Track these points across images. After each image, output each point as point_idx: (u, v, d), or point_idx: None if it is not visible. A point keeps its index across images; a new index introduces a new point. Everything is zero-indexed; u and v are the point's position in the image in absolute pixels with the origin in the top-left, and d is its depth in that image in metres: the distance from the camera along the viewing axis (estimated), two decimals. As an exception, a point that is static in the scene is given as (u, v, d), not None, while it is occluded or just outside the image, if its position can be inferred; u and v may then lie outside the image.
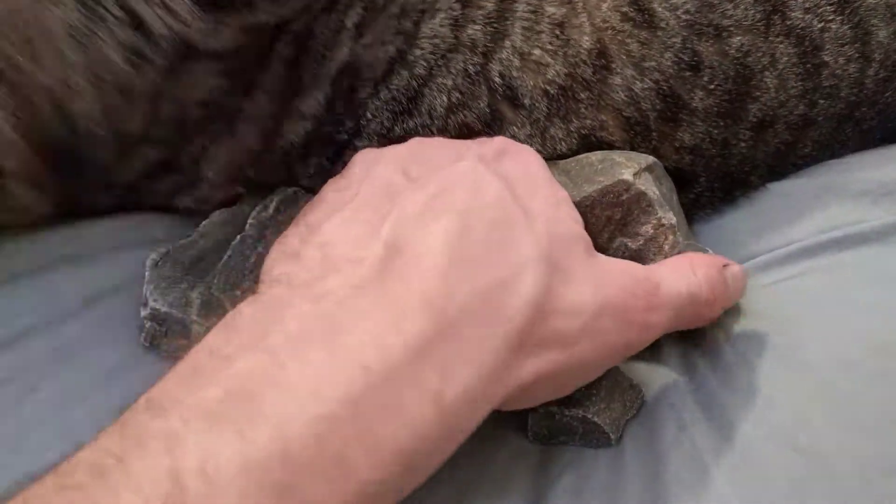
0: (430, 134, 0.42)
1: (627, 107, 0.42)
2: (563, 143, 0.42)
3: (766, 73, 0.43)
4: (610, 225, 0.40)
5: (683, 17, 0.43)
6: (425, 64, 0.42)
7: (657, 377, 0.41)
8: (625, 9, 0.43)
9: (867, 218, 0.42)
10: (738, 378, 0.39)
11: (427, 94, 0.42)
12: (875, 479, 0.34)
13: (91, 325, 0.44)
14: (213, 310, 0.41)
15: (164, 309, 0.42)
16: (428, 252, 0.30)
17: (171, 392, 0.28)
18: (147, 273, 0.43)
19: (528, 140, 0.42)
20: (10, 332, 0.42)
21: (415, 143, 0.39)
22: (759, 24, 0.43)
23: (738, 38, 0.43)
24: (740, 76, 0.43)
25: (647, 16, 0.42)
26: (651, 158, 0.42)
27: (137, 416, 0.27)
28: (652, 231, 0.39)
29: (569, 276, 0.32)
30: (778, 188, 0.49)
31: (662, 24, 0.42)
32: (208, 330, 0.40)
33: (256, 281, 0.42)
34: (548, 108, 0.41)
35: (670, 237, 0.39)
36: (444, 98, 0.42)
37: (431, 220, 0.31)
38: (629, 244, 0.39)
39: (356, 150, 0.41)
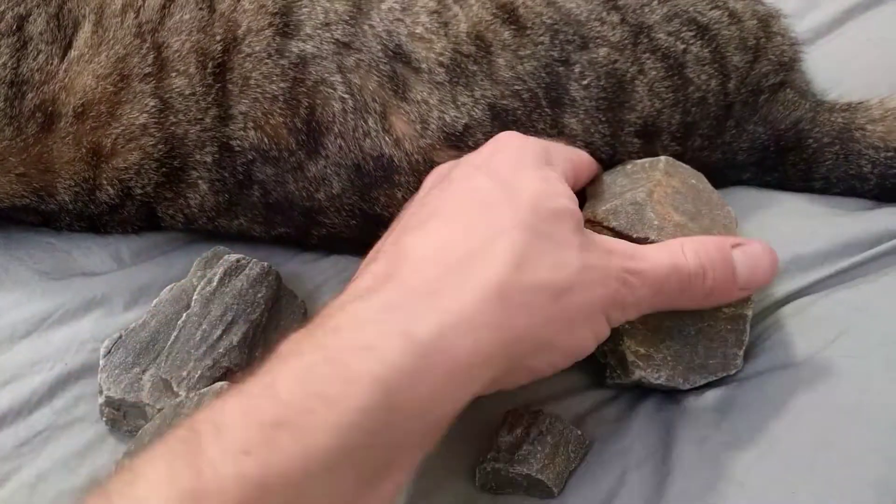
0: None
1: (516, 81, 0.47)
2: (476, 110, 0.47)
3: (637, 81, 0.48)
4: None
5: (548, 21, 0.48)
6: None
7: (605, 424, 0.41)
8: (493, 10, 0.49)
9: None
10: (678, 417, 0.40)
11: None
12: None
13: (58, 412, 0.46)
14: (163, 392, 0.43)
15: (117, 396, 0.43)
16: (414, 248, 0.36)
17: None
18: (101, 361, 0.44)
19: (441, 104, 0.47)
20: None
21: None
22: (626, 41, 0.48)
23: (605, 49, 0.48)
24: (612, 76, 0.48)
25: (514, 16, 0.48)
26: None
27: None
28: None
29: (553, 236, 0.36)
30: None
31: (529, 24, 0.48)
32: (160, 412, 0.42)
33: (202, 359, 0.43)
34: (447, 75, 0.47)
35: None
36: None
37: (423, 227, 0.37)
38: None
39: None
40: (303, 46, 0.48)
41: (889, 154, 0.49)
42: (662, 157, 0.45)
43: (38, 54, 0.51)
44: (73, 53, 0.51)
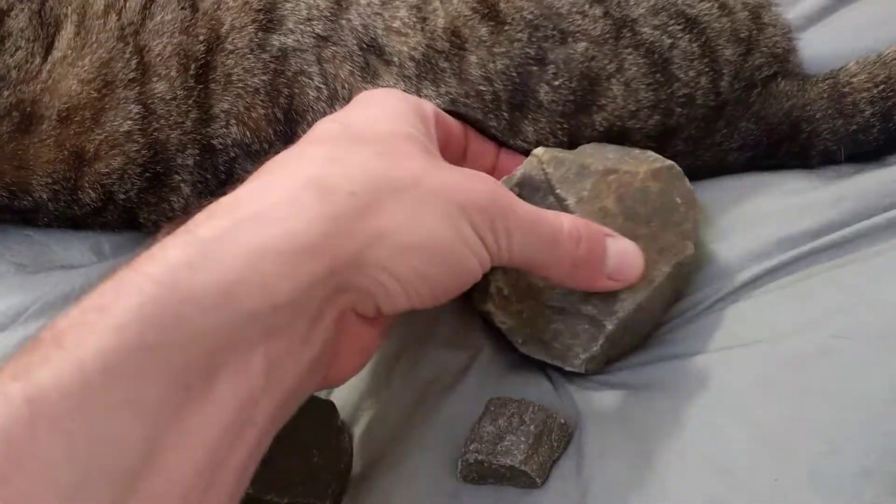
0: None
1: (483, 82, 0.46)
2: (436, 104, 0.45)
3: (613, 79, 0.46)
4: None
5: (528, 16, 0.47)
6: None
7: (587, 409, 0.41)
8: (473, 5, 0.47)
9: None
10: (659, 402, 0.39)
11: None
12: (790, 494, 0.34)
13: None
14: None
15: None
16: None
17: None
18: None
19: None
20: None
21: None
22: (607, 35, 0.46)
23: (584, 44, 0.46)
24: (585, 77, 0.46)
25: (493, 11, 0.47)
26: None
27: None
28: None
29: (387, 148, 0.35)
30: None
31: (509, 20, 0.46)
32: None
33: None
34: (416, 70, 0.46)
35: None
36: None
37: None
38: None
39: None
40: (284, 40, 0.48)
41: (881, 87, 0.49)
42: (671, 162, 0.43)
43: (16, 51, 0.50)
44: (56, 54, 0.50)
